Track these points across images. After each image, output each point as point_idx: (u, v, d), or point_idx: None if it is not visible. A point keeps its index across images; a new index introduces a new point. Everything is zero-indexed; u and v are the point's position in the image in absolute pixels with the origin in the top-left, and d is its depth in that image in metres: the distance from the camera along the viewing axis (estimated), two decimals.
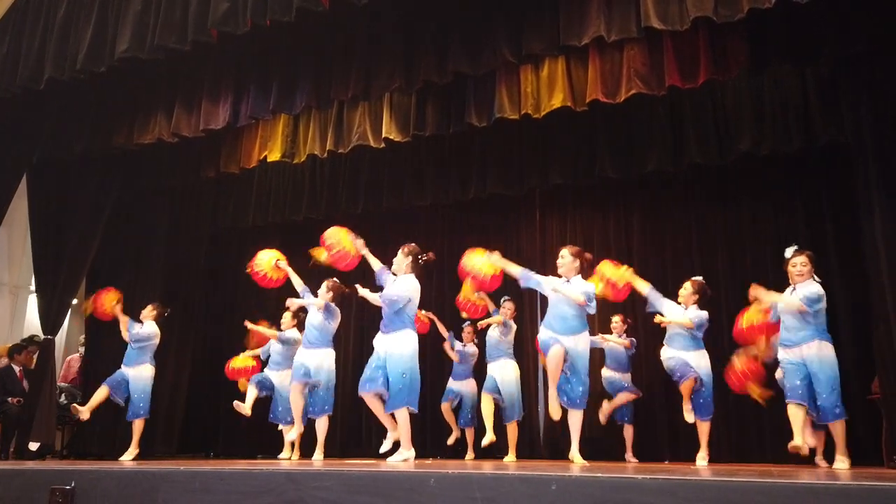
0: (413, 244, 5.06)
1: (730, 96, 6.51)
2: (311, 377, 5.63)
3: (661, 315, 5.40)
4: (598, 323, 6.43)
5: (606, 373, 6.28)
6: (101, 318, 6.67)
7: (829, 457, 4.80)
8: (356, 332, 8.15)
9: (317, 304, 5.67)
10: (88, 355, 7.86)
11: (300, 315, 6.33)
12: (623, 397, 6.11)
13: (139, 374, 6.26)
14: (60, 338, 8.41)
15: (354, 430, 7.97)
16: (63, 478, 3.28)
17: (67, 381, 8.14)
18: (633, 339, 6.37)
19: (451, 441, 6.59)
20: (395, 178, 7.79)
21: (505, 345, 6.26)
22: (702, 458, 5.26)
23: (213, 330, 8.66)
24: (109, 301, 6.54)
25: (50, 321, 7.10)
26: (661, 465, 5.71)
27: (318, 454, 5.54)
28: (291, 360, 6.01)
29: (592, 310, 4.88)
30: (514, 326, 6.35)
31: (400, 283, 4.86)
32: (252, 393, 6.23)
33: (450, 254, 8.15)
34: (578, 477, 2.41)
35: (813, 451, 4.93)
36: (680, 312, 5.43)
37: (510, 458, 5.98)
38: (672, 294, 6.01)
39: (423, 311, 6.44)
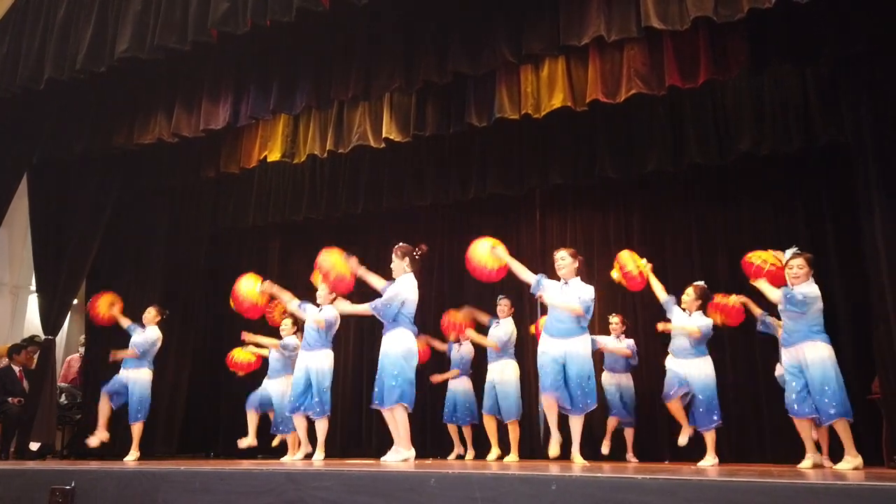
0: (403, 244, 5.07)
1: (730, 96, 6.51)
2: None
3: (668, 322, 5.47)
4: (597, 323, 6.43)
5: (605, 376, 6.27)
6: (101, 324, 6.67)
7: (839, 456, 4.76)
8: (356, 333, 8.15)
9: (317, 322, 5.59)
10: (89, 355, 7.86)
11: (300, 322, 6.32)
12: (614, 423, 6.25)
13: (138, 377, 6.27)
14: (61, 338, 8.40)
15: (354, 431, 7.97)
16: (63, 478, 3.28)
17: (68, 381, 8.14)
18: (634, 346, 6.35)
19: (452, 457, 6.54)
20: (396, 178, 7.79)
21: (505, 345, 6.21)
22: (706, 461, 5.24)
23: (213, 330, 8.65)
24: (105, 305, 6.53)
25: (50, 321, 7.10)
26: (662, 465, 5.71)
27: (319, 454, 5.53)
28: (290, 368, 6.02)
29: (589, 314, 5.00)
30: (512, 325, 6.31)
31: (392, 286, 4.88)
32: (253, 420, 6.28)
33: (450, 254, 8.18)
34: (579, 477, 2.41)
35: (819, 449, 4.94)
36: (686, 320, 5.46)
37: (512, 457, 5.96)
38: (672, 294, 6.01)
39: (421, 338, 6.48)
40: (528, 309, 7.27)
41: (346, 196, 7.98)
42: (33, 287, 7.69)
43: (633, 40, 5.23)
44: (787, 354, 4.68)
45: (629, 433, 6.30)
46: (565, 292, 4.98)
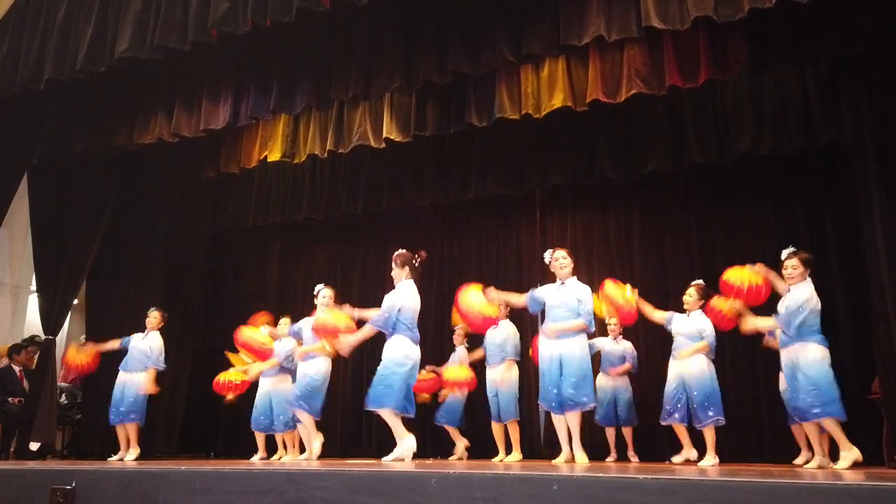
0: (402, 251, 5.10)
1: (730, 96, 6.51)
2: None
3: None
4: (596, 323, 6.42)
5: (601, 379, 6.26)
6: (88, 373, 6.64)
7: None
8: None
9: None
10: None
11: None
12: (613, 432, 6.32)
13: (132, 378, 6.26)
14: (61, 338, 8.40)
15: (354, 431, 7.97)
16: (64, 478, 3.28)
17: (68, 381, 8.13)
18: (633, 350, 6.34)
19: (454, 458, 6.48)
20: (396, 178, 7.79)
21: (504, 348, 6.16)
22: (706, 461, 5.23)
23: (213, 330, 8.65)
24: (75, 356, 6.46)
25: (51, 321, 7.10)
26: (663, 465, 5.70)
27: (309, 453, 5.54)
28: (286, 368, 6.05)
29: (592, 327, 5.07)
30: (510, 327, 6.30)
31: (388, 297, 4.91)
32: (260, 438, 6.32)
33: (450, 254, 8.19)
34: (580, 477, 2.41)
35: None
36: (686, 322, 5.45)
37: (515, 455, 5.94)
38: (672, 294, 6.03)
39: (427, 369, 6.48)
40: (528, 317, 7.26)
41: (347, 196, 7.98)
42: (34, 287, 7.68)
43: (634, 40, 5.23)
44: (783, 355, 4.70)
45: (628, 432, 6.30)
46: (562, 293, 5.00)
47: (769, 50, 5.23)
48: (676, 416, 5.42)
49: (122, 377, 6.31)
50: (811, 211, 6.64)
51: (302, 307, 7.04)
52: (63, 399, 7.63)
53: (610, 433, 6.35)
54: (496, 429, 6.19)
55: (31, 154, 6.87)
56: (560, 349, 4.91)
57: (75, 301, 7.72)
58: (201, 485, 2.99)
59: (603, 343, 6.25)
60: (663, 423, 5.52)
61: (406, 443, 4.66)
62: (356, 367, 8.08)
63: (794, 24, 5.03)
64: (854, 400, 5.91)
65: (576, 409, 4.85)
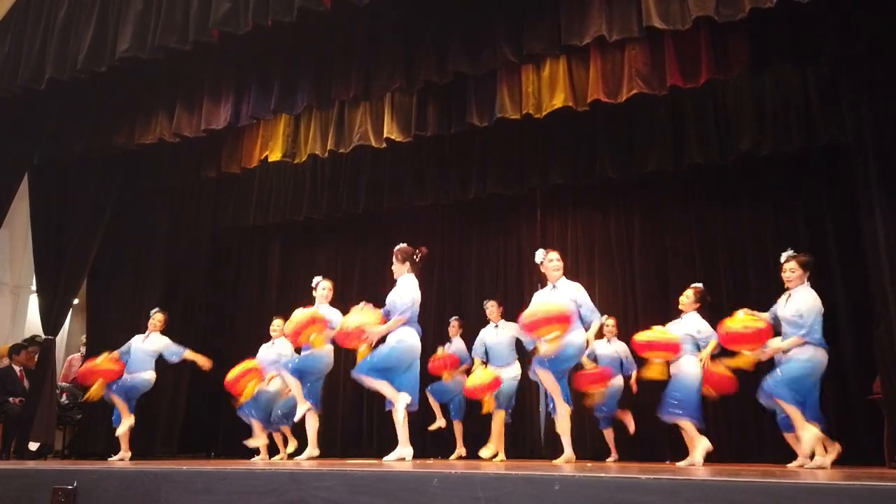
0: (403, 245, 5.07)
1: (731, 96, 6.52)
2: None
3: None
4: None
5: None
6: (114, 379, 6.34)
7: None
8: None
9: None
10: (90, 355, 7.85)
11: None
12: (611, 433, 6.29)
13: (138, 377, 6.25)
14: (62, 338, 8.41)
15: (355, 432, 7.97)
16: (65, 478, 3.28)
17: (68, 380, 8.14)
18: (627, 351, 6.27)
19: (432, 427, 6.29)
20: (396, 178, 7.79)
21: (502, 347, 6.16)
22: (687, 461, 5.14)
23: (214, 330, 8.66)
24: (107, 366, 6.21)
25: (51, 321, 7.10)
26: (663, 465, 5.70)
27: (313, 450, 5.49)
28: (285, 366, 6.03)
29: (595, 316, 5.00)
30: (507, 326, 6.29)
31: (403, 292, 4.88)
32: (257, 427, 6.21)
33: (450, 254, 8.19)
34: (581, 477, 2.41)
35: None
36: (679, 325, 5.40)
37: (490, 449, 5.87)
38: (673, 294, 6.01)
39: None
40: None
41: (347, 196, 7.99)
42: (34, 287, 7.69)
43: (635, 40, 5.24)
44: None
45: (609, 433, 6.32)
46: (556, 296, 4.98)
47: (770, 50, 5.23)
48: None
49: (129, 378, 6.22)
50: (811, 211, 6.64)
51: (302, 306, 7.04)
52: (64, 399, 7.63)
53: (609, 435, 6.35)
54: (497, 417, 6.15)
55: (32, 154, 6.87)
56: (556, 347, 4.87)
57: (76, 301, 7.71)
58: (203, 485, 2.99)
59: (596, 345, 6.19)
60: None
61: (406, 451, 4.65)
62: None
63: (795, 23, 5.04)
64: (855, 400, 5.93)
65: (540, 368, 4.79)
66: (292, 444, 6.30)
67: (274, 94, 5.94)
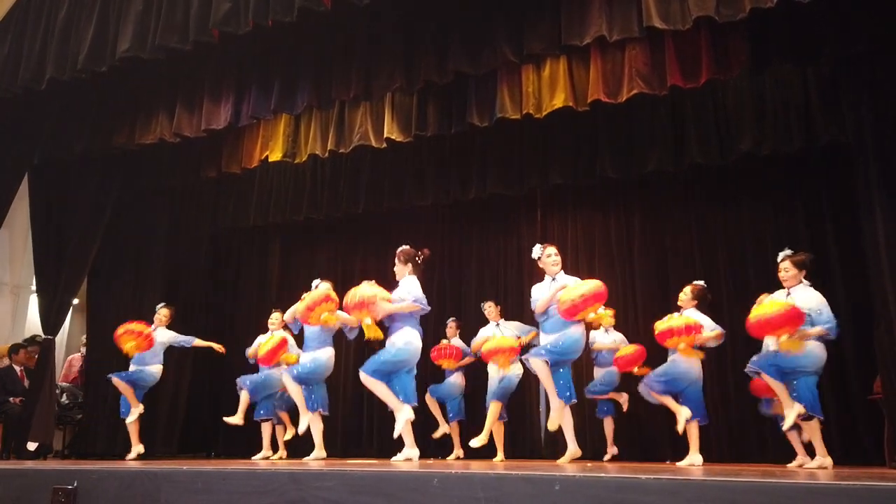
0: (406, 247, 5.11)
1: (731, 96, 6.52)
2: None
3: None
4: None
5: (597, 371, 6.30)
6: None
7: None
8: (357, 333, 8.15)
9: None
10: (90, 355, 7.86)
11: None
12: (611, 427, 6.30)
13: (146, 370, 6.23)
14: (62, 338, 8.41)
15: (355, 431, 7.97)
16: (65, 477, 3.28)
17: (69, 380, 8.14)
18: (625, 341, 6.34)
19: (437, 434, 6.34)
20: (396, 178, 7.79)
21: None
22: (686, 461, 5.12)
23: (214, 330, 8.65)
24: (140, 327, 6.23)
25: (50, 321, 7.10)
26: (664, 464, 5.70)
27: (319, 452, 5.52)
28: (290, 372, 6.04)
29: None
30: (508, 325, 6.29)
31: (404, 289, 4.89)
32: (244, 398, 6.22)
33: (450, 253, 8.19)
34: (582, 477, 2.41)
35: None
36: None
37: (481, 439, 5.83)
38: (673, 294, 6.01)
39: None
40: (527, 309, 7.26)
41: (347, 196, 7.99)
42: (34, 287, 7.69)
43: (635, 40, 5.23)
44: None
45: (608, 424, 6.33)
46: (554, 288, 4.98)
47: (770, 50, 5.23)
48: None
49: (132, 369, 6.23)
50: (811, 211, 6.64)
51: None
52: (64, 399, 7.64)
53: (608, 426, 6.34)
54: (496, 429, 6.18)
55: (32, 154, 6.86)
56: (555, 338, 4.85)
57: (76, 301, 7.71)
58: (203, 485, 2.99)
59: (594, 335, 6.24)
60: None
61: (413, 452, 4.67)
62: (356, 366, 8.06)
63: (796, 23, 5.04)
64: (855, 400, 5.93)
65: (536, 357, 4.77)
66: (290, 432, 6.31)
67: (274, 94, 5.94)
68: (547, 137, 7.06)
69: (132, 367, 6.19)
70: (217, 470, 3.11)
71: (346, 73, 5.77)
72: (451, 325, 6.79)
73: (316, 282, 5.75)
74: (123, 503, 3.13)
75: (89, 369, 7.73)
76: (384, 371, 4.79)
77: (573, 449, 4.83)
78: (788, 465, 5.05)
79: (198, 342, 6.44)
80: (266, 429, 6.45)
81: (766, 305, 4.68)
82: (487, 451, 6.32)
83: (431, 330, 6.94)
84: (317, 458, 5.29)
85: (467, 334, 6.71)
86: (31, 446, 6.56)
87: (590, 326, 5.64)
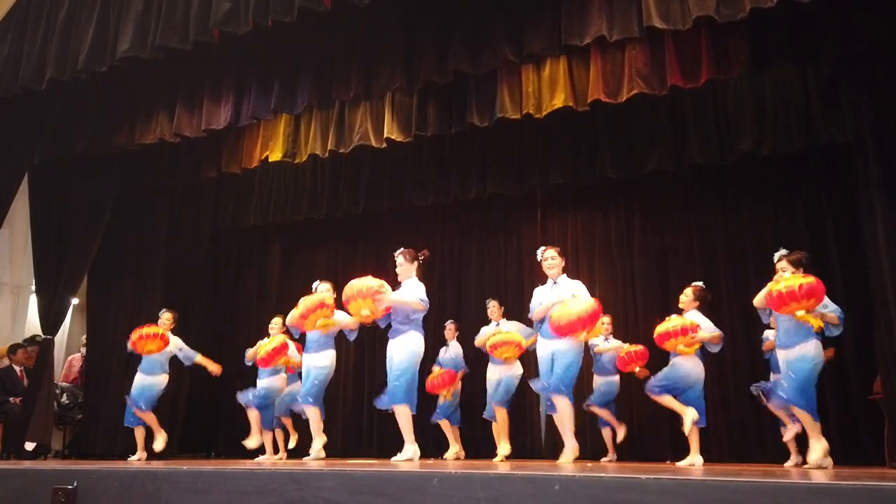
0: (409, 249, 5.12)
1: (731, 96, 6.52)
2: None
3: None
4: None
5: (596, 379, 6.27)
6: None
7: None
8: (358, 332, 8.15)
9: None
10: (90, 355, 7.86)
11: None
12: (609, 433, 6.28)
13: (154, 380, 6.26)
14: (62, 338, 8.40)
15: (355, 431, 7.98)
16: (65, 477, 3.28)
17: (69, 381, 8.14)
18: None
19: (449, 455, 6.38)
20: (396, 178, 7.79)
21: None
22: (687, 461, 5.10)
23: (214, 330, 8.66)
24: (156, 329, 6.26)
25: (50, 321, 7.11)
26: (663, 465, 5.71)
27: (317, 444, 5.49)
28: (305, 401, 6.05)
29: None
30: (508, 325, 6.28)
31: (416, 289, 4.89)
32: (254, 417, 6.22)
33: (450, 253, 8.20)
34: (582, 477, 2.40)
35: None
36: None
37: (504, 448, 5.85)
38: (673, 294, 6.01)
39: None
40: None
41: (347, 196, 7.99)
42: (34, 287, 7.69)
43: (635, 40, 5.23)
44: (781, 354, 4.65)
45: (607, 433, 6.31)
46: (556, 292, 4.95)
47: (770, 50, 5.23)
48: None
49: (141, 379, 6.24)
50: (811, 211, 6.64)
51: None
52: (64, 399, 7.64)
53: (607, 434, 6.35)
54: (495, 427, 6.18)
55: (32, 154, 6.87)
56: (554, 347, 4.85)
57: (77, 301, 7.70)
58: (204, 485, 2.99)
59: (594, 342, 6.20)
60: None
61: (413, 449, 4.67)
62: (357, 366, 8.09)
63: (796, 23, 5.04)
64: (855, 400, 5.93)
65: (554, 394, 4.76)
66: (293, 440, 6.32)
67: (274, 94, 5.94)
68: (547, 137, 7.06)
69: (138, 377, 6.20)
70: (217, 470, 3.11)
71: (346, 73, 5.77)
72: (450, 327, 6.76)
73: (316, 283, 5.75)
74: (123, 503, 3.13)
75: (89, 369, 7.73)
76: (413, 387, 4.78)
77: (572, 444, 4.82)
78: (785, 464, 5.07)
79: (199, 359, 6.44)
80: (268, 434, 6.44)
81: (790, 279, 4.51)
82: (487, 451, 6.33)
83: (431, 331, 6.92)
84: (317, 457, 5.28)
85: (466, 336, 6.69)
86: (29, 446, 6.56)
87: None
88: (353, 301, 4.85)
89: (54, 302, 7.13)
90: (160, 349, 6.14)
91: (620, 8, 4.94)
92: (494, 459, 5.98)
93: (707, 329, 5.22)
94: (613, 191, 7.42)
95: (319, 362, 5.47)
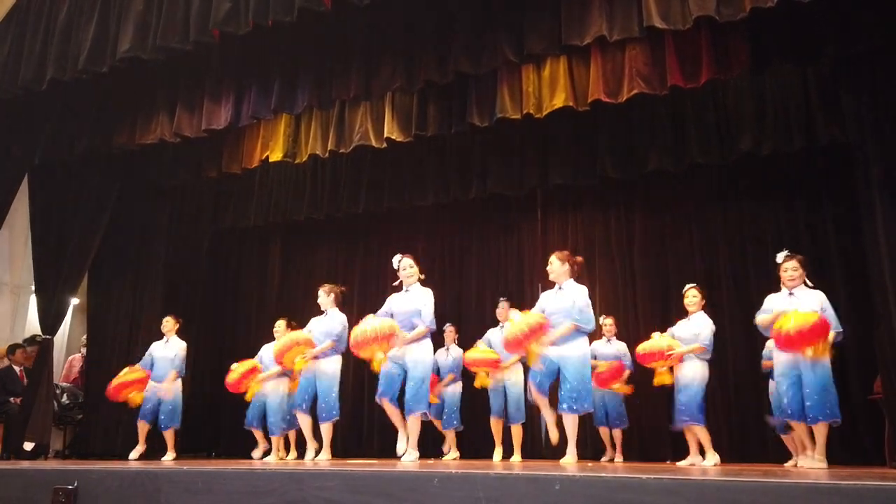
0: (410, 255, 5.13)
1: (731, 96, 6.52)
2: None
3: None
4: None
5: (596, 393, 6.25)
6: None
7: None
8: None
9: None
10: (90, 355, 7.86)
11: (293, 324, 6.30)
12: (608, 431, 6.30)
13: (170, 387, 6.34)
14: (62, 338, 8.40)
15: (355, 431, 7.97)
16: (66, 477, 3.28)
17: (69, 381, 8.14)
18: (626, 351, 6.24)
19: (449, 458, 6.39)
20: (397, 178, 7.79)
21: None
22: (707, 461, 5.14)
23: (214, 330, 8.66)
24: (131, 377, 6.34)
25: (49, 321, 7.11)
26: (664, 464, 5.71)
27: (325, 454, 5.53)
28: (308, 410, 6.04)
29: (588, 325, 4.78)
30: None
31: (424, 298, 4.91)
32: (260, 436, 6.33)
33: (450, 253, 8.19)
34: (582, 477, 2.40)
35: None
36: (686, 326, 5.38)
37: (516, 457, 5.90)
38: (673, 294, 6.01)
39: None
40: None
41: (348, 196, 7.99)
42: (34, 287, 7.69)
43: (635, 40, 5.24)
44: (782, 355, 4.63)
45: (617, 434, 6.29)
46: (559, 298, 4.86)
47: (770, 49, 5.24)
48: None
49: (153, 387, 6.33)
50: (811, 211, 6.64)
51: (303, 306, 7.05)
52: (65, 399, 7.63)
53: (605, 432, 6.34)
54: (495, 425, 6.15)
55: (32, 154, 6.86)
56: (559, 353, 4.75)
57: (76, 301, 7.70)
58: (204, 485, 2.99)
59: (596, 346, 6.16)
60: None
61: (414, 455, 4.70)
62: (358, 368, 8.07)
63: (796, 23, 5.04)
64: (855, 400, 5.93)
65: (573, 415, 4.71)
66: (292, 455, 6.32)
67: (274, 94, 5.94)
68: (547, 137, 7.06)
69: (150, 385, 6.29)
70: (217, 470, 3.11)
71: (346, 73, 5.77)
72: (449, 330, 6.68)
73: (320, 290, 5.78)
74: (123, 503, 3.13)
75: (89, 369, 7.73)
76: (425, 394, 4.84)
77: (572, 450, 4.79)
78: (785, 464, 5.07)
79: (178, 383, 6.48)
80: (276, 438, 6.43)
81: (799, 317, 4.44)
82: (487, 452, 6.33)
83: (433, 333, 6.94)
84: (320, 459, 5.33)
85: (466, 338, 6.68)
86: (28, 446, 6.56)
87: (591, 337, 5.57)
88: (367, 347, 4.76)
89: (54, 302, 7.13)
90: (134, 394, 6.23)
91: (620, 8, 4.94)
92: (495, 459, 5.97)
93: (705, 338, 5.21)
94: (613, 191, 7.42)
95: (328, 368, 5.50)
